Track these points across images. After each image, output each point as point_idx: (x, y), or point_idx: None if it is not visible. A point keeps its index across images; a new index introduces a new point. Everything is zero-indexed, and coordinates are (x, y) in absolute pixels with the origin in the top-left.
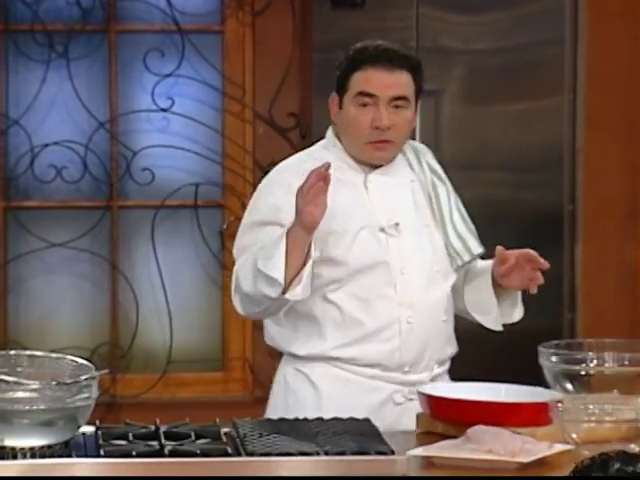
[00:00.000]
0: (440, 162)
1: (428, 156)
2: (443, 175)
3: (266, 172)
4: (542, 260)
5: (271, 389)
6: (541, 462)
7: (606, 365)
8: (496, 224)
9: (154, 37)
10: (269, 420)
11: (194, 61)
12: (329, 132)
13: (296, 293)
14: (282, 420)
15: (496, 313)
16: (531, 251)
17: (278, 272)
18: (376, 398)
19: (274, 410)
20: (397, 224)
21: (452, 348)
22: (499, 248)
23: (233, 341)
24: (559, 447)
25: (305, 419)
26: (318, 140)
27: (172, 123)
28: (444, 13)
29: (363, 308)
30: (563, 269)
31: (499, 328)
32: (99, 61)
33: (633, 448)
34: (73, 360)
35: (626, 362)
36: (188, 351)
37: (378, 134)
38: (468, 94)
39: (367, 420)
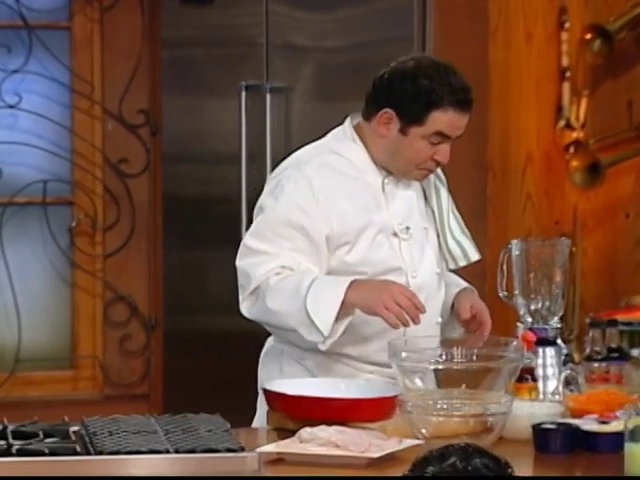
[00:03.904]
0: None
1: None
2: (443, 177)
3: (116, 169)
4: (485, 333)
5: (260, 375)
6: (391, 457)
7: (455, 360)
8: None
9: (0, 33)
10: (119, 418)
11: (42, 57)
12: (348, 126)
13: (326, 344)
14: (132, 418)
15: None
16: (488, 323)
17: (326, 325)
18: None
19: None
20: (408, 228)
21: None
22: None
23: (83, 339)
24: (408, 442)
25: (156, 415)
26: (170, 136)
27: (20, 120)
28: (293, 10)
29: None
30: None
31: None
32: None
33: (482, 439)
34: None
35: (474, 358)
36: (37, 350)
37: (434, 166)
38: (318, 91)
39: (218, 416)
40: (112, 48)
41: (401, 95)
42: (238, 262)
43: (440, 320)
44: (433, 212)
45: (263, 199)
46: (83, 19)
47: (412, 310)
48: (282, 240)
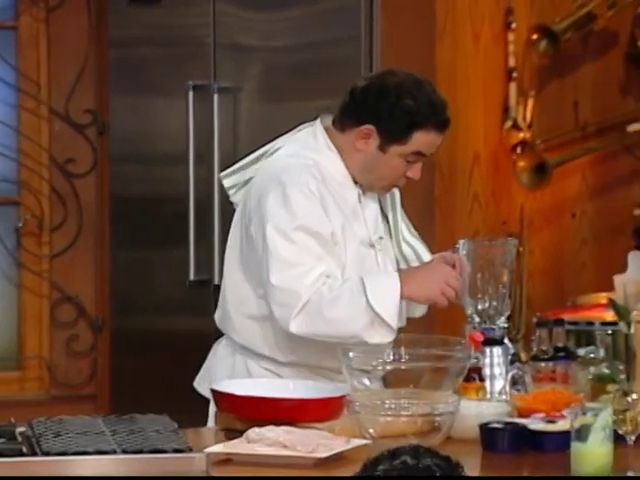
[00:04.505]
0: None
1: None
2: None
3: (63, 169)
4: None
5: (215, 372)
6: (338, 457)
7: (402, 360)
8: None
9: None
10: (65, 419)
11: None
12: (320, 131)
13: (390, 340)
14: (79, 419)
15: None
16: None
17: (394, 321)
18: None
19: None
20: (381, 238)
21: None
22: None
23: (29, 340)
24: (356, 442)
25: (103, 416)
26: (117, 136)
27: None
28: (240, 10)
29: None
30: None
31: (403, 323)
32: None
33: (430, 439)
34: None
35: (421, 357)
36: None
37: (403, 182)
38: (266, 91)
39: (165, 416)
40: (59, 48)
41: (384, 113)
42: (275, 279)
43: (400, 325)
44: (387, 217)
45: (272, 211)
46: (29, 19)
47: (460, 287)
48: (309, 249)
